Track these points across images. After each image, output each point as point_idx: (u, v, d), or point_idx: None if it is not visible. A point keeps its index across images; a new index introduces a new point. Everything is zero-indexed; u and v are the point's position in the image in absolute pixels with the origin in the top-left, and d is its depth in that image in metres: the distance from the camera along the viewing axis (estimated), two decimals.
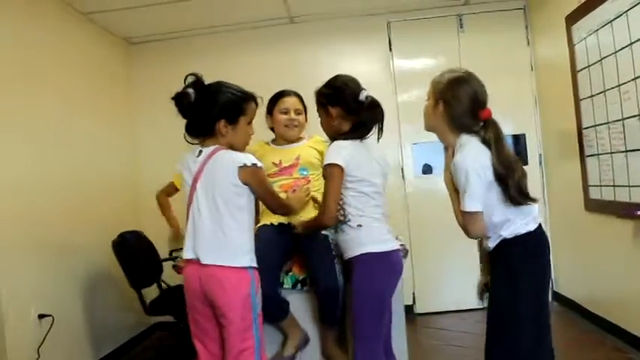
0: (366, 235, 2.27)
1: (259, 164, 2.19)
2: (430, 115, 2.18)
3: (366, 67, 4.90)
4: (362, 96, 2.33)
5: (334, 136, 2.36)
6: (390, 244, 2.31)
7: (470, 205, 2.01)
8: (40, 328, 3.28)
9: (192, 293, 2.18)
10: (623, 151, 3.36)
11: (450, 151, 2.16)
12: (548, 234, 4.62)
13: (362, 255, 2.26)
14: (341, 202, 2.30)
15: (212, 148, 2.19)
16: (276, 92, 2.93)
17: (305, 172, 2.81)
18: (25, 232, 3.28)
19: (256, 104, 2.31)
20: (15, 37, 3.36)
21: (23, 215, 3.28)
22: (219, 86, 2.23)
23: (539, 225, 2.13)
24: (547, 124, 4.69)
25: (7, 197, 3.15)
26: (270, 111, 2.90)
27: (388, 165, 2.49)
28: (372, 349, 2.25)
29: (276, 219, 2.71)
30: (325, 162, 2.27)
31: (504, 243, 2.08)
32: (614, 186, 3.51)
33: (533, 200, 2.07)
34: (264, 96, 2.87)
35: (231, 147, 2.23)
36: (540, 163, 4.79)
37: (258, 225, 2.72)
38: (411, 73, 4.85)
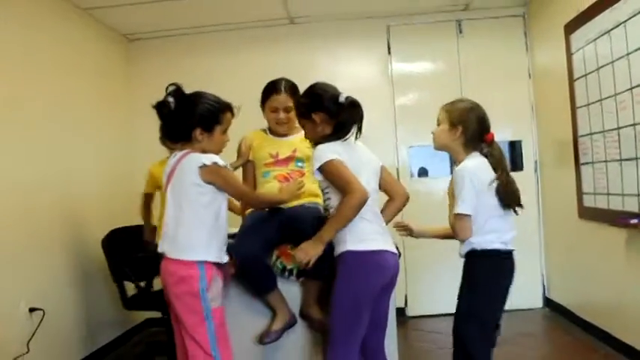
0: (349, 233, 2.22)
1: (221, 163, 2.23)
2: (444, 138, 2.46)
3: (364, 69, 4.94)
4: (342, 98, 2.33)
5: (319, 140, 2.33)
6: (375, 244, 2.24)
7: (462, 208, 2.30)
8: (30, 322, 3.27)
9: (163, 287, 2.31)
10: (617, 160, 3.38)
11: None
12: (542, 241, 4.70)
13: (344, 253, 2.23)
14: (328, 201, 2.31)
15: (185, 151, 2.28)
16: (268, 84, 2.87)
17: (301, 164, 2.83)
18: (17, 225, 3.27)
19: (232, 114, 2.37)
20: (11, 31, 3.35)
21: (16, 209, 3.27)
22: (197, 96, 2.31)
23: (510, 251, 2.48)
24: (543, 131, 4.71)
25: (0, 192, 3.15)
26: (263, 103, 2.88)
27: (379, 164, 2.47)
28: (344, 353, 2.22)
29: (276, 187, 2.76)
30: (318, 164, 2.22)
31: (473, 254, 2.38)
32: (608, 194, 3.53)
33: (521, 207, 2.48)
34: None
35: (205, 152, 2.30)
36: (536, 170, 4.81)
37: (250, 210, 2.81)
38: (409, 76, 4.87)
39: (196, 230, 2.22)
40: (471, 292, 2.40)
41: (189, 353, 2.21)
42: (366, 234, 2.23)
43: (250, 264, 2.46)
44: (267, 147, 2.85)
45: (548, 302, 4.74)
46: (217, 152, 2.36)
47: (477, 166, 2.35)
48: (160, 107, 2.27)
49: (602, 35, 3.46)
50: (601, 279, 3.75)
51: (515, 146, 4.85)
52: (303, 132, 2.86)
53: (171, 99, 2.26)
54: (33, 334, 3.24)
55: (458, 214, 2.32)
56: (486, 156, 2.40)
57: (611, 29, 3.34)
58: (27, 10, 3.52)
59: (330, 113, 2.32)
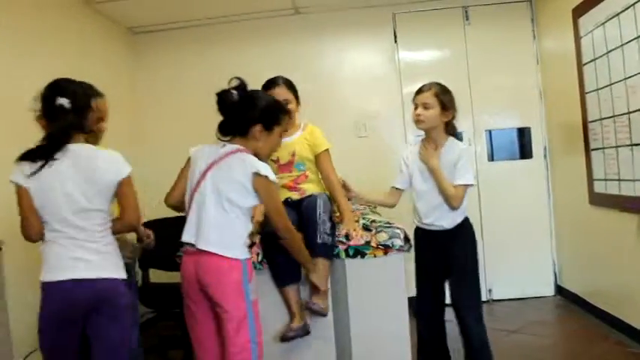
0: (43, 261, 2.08)
1: (272, 177, 2.23)
2: (436, 120, 2.74)
3: (371, 58, 4.92)
4: (60, 100, 2.10)
5: None
6: (61, 274, 2.03)
7: (472, 179, 2.72)
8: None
9: (187, 281, 2.26)
10: (628, 145, 3.34)
11: (433, 145, 2.77)
12: (552, 227, 4.67)
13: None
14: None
15: (237, 146, 2.27)
16: (266, 82, 2.84)
17: (302, 168, 2.84)
18: None
19: (290, 117, 2.44)
20: (14, 25, 3.34)
21: None
22: (260, 93, 2.35)
23: None
24: (552, 117, 4.67)
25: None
26: None
27: (107, 181, 2.14)
28: None
29: (287, 195, 2.80)
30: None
31: (462, 223, 2.77)
32: (619, 180, 3.50)
33: None
34: None
35: (257, 151, 2.30)
36: (545, 156, 4.78)
37: None
38: (416, 65, 4.83)
39: (238, 229, 2.23)
40: (470, 252, 2.79)
41: (230, 344, 2.17)
42: (51, 262, 2.07)
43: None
44: None
45: (559, 290, 4.72)
46: (270, 154, 2.42)
47: None
48: (223, 96, 2.26)
49: (611, 18, 3.42)
50: (613, 265, 3.73)
51: (523, 133, 4.81)
52: (302, 130, 2.86)
53: (234, 91, 2.26)
54: None
55: (468, 185, 2.69)
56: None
57: (621, 12, 3.30)
58: (30, 4, 3.52)
59: (44, 112, 2.13)
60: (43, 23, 3.63)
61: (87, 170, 2.09)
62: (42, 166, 2.05)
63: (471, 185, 2.72)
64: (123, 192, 2.16)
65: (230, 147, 2.26)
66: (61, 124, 2.09)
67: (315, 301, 2.60)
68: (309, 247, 2.61)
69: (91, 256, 2.07)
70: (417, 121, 2.77)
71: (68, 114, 2.09)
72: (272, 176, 2.22)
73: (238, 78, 2.28)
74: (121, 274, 2.16)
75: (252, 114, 2.27)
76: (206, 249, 2.18)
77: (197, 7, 4.57)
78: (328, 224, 2.65)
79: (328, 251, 2.63)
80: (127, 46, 4.93)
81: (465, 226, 2.79)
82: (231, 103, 2.25)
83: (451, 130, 2.80)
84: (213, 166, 2.23)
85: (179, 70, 4.87)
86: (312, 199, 2.70)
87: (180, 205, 2.39)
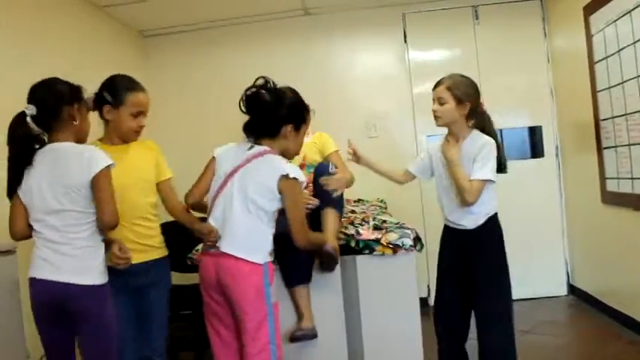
0: None
1: (302, 179, 2.21)
2: (453, 115, 2.54)
3: (381, 58, 4.92)
4: (28, 109, 2.16)
5: None
6: (31, 272, 2.10)
7: (490, 174, 2.46)
8: None
9: (207, 282, 2.24)
10: None
11: (455, 139, 2.58)
12: (565, 226, 4.63)
13: None
14: None
15: (264, 148, 2.24)
16: None
17: (312, 170, 2.89)
18: None
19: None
20: (25, 29, 3.37)
21: None
22: (286, 92, 2.29)
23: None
24: (564, 115, 4.64)
25: None
26: None
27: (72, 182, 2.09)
28: None
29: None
30: None
31: (490, 220, 2.57)
32: (632, 178, 3.48)
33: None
34: None
35: (285, 152, 2.29)
36: (557, 155, 4.75)
37: None
38: (426, 65, 4.82)
39: (263, 234, 2.21)
40: (499, 252, 2.61)
41: (249, 346, 2.16)
42: (32, 260, 2.12)
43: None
44: None
45: (572, 289, 4.70)
46: (296, 154, 2.39)
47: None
48: (254, 97, 2.22)
49: (622, 16, 3.40)
50: (626, 264, 3.70)
51: (535, 132, 4.80)
52: (311, 135, 2.91)
53: (264, 91, 2.22)
54: None
55: (484, 180, 2.45)
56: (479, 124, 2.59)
57: (632, 9, 3.27)
58: (40, 8, 3.54)
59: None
60: (53, 27, 3.66)
61: (58, 170, 2.09)
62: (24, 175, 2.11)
63: (489, 181, 2.48)
64: (95, 189, 2.08)
65: (258, 149, 2.23)
66: (24, 130, 2.11)
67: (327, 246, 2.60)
68: (322, 199, 2.66)
69: (55, 258, 2.07)
70: (435, 118, 2.62)
71: (33, 119, 2.12)
72: (302, 177, 2.19)
73: (264, 77, 2.24)
74: (90, 280, 2.09)
75: (283, 114, 2.23)
76: (229, 252, 2.16)
77: (207, 10, 4.59)
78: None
79: (338, 203, 2.71)
80: (137, 49, 4.96)
81: (490, 228, 2.59)
82: (262, 103, 2.20)
83: (485, 122, 2.61)
84: (240, 168, 2.20)
85: (188, 71, 4.88)
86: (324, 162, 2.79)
87: (199, 205, 2.37)
